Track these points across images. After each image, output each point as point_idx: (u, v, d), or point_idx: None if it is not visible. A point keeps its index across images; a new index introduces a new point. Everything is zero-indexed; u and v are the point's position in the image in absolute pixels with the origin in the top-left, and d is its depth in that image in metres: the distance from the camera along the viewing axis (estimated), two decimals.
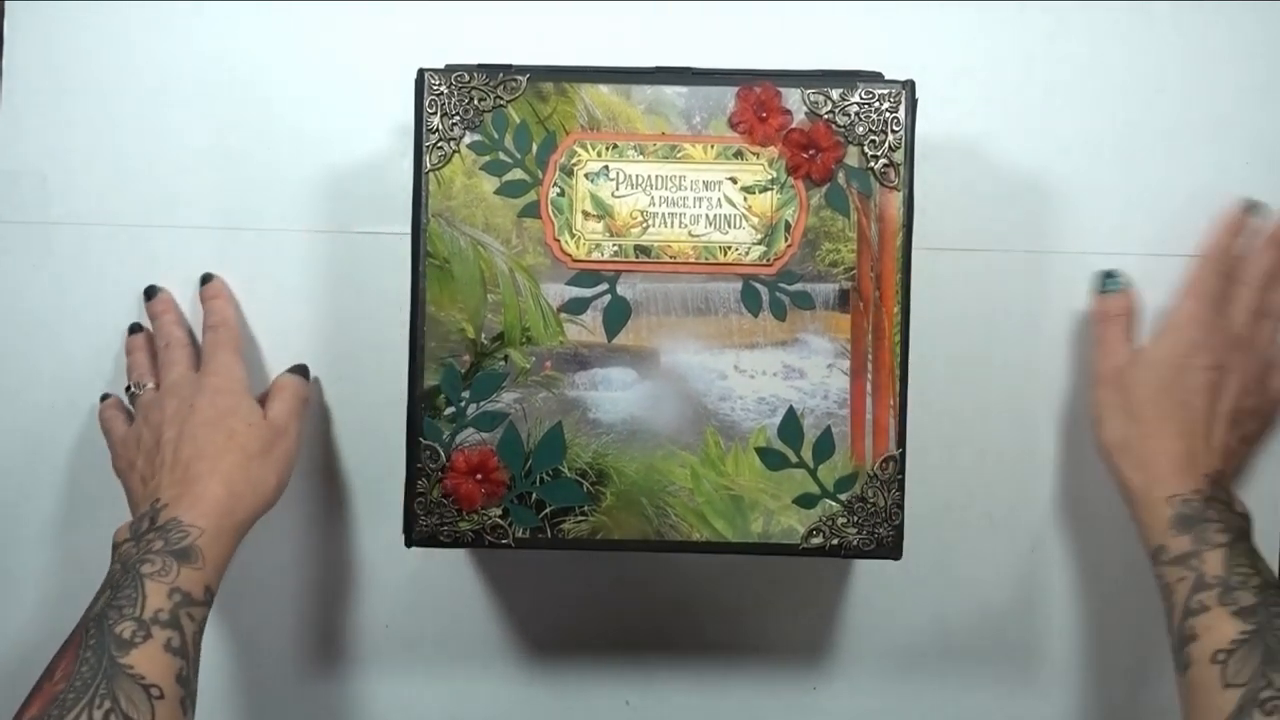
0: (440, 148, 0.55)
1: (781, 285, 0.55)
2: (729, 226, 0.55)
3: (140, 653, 0.49)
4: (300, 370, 0.64)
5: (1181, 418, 0.57)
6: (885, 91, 0.55)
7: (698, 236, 0.55)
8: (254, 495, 0.57)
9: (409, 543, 0.55)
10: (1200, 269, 0.62)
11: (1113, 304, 0.62)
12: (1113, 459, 0.59)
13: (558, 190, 0.55)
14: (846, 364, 0.55)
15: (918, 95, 0.55)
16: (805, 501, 0.55)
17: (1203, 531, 0.54)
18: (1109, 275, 0.63)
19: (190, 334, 0.64)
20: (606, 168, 0.55)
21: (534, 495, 0.55)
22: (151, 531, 0.54)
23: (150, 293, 0.64)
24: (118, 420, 0.62)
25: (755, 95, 0.55)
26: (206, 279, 0.65)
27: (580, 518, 0.55)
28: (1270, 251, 0.62)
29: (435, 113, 0.55)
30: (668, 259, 0.55)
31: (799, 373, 0.55)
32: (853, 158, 0.55)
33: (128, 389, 0.63)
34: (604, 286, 0.55)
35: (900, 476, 0.55)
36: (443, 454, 0.55)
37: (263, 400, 0.61)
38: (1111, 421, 0.59)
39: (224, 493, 0.55)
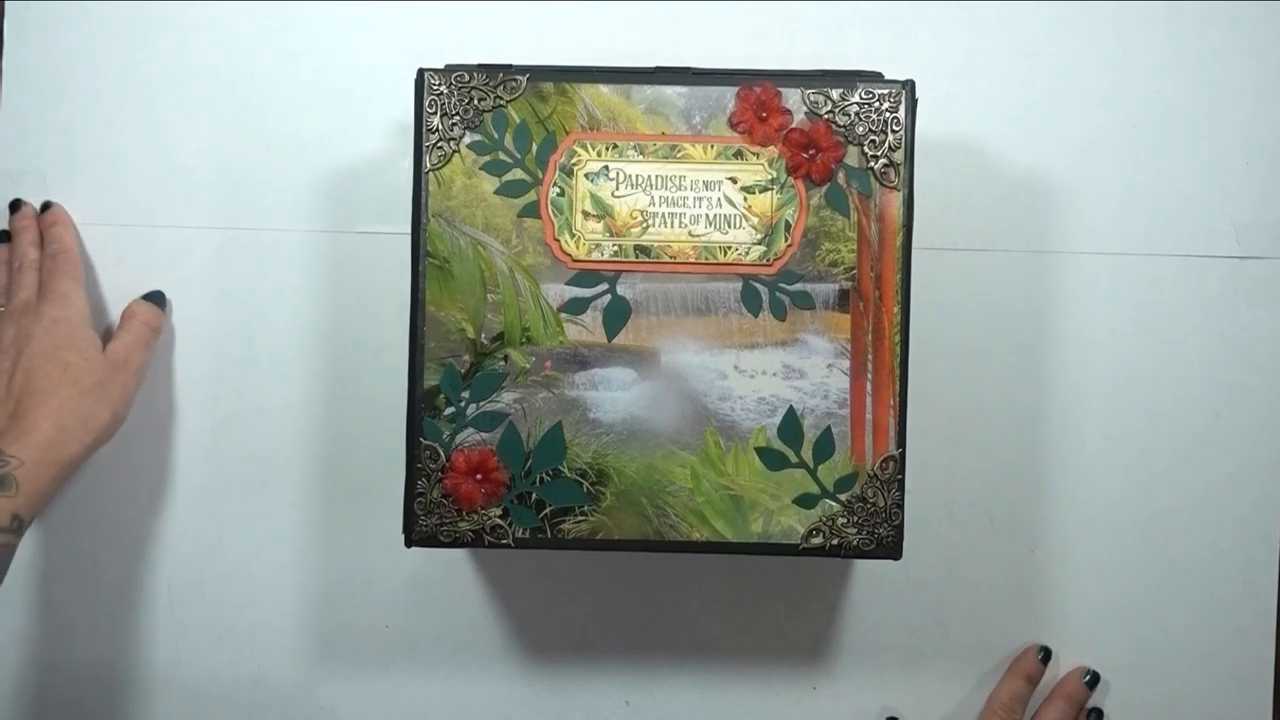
0: (440, 148, 0.55)
1: (781, 285, 0.55)
2: (729, 226, 0.55)
3: None
4: (155, 298, 0.64)
5: None
6: (885, 91, 0.55)
7: (698, 236, 0.55)
8: (84, 431, 0.58)
9: (409, 543, 0.55)
10: (988, 715, 0.64)
11: None
12: None
13: (558, 190, 0.55)
14: (846, 364, 0.55)
15: (918, 95, 0.55)
16: (805, 501, 0.55)
17: None
18: None
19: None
20: (606, 168, 0.55)
21: (534, 495, 0.55)
22: None
23: (14, 206, 0.64)
24: None
25: (755, 95, 0.55)
26: (46, 206, 0.64)
27: (580, 518, 0.55)
28: (1058, 703, 0.64)
29: (435, 113, 0.55)
30: (668, 259, 0.55)
31: (799, 373, 0.55)
32: (853, 158, 0.55)
33: None
34: (604, 286, 0.55)
35: (900, 476, 0.55)
36: (443, 454, 0.55)
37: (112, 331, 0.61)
38: None
39: (51, 427, 0.56)
